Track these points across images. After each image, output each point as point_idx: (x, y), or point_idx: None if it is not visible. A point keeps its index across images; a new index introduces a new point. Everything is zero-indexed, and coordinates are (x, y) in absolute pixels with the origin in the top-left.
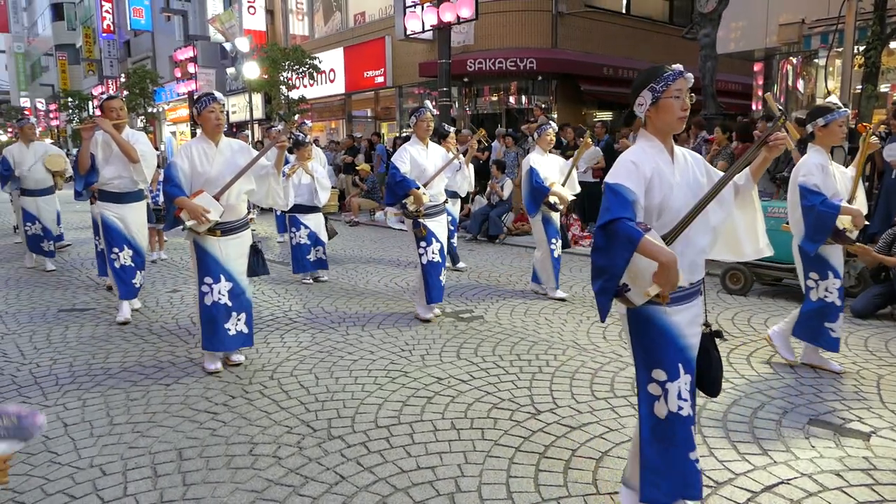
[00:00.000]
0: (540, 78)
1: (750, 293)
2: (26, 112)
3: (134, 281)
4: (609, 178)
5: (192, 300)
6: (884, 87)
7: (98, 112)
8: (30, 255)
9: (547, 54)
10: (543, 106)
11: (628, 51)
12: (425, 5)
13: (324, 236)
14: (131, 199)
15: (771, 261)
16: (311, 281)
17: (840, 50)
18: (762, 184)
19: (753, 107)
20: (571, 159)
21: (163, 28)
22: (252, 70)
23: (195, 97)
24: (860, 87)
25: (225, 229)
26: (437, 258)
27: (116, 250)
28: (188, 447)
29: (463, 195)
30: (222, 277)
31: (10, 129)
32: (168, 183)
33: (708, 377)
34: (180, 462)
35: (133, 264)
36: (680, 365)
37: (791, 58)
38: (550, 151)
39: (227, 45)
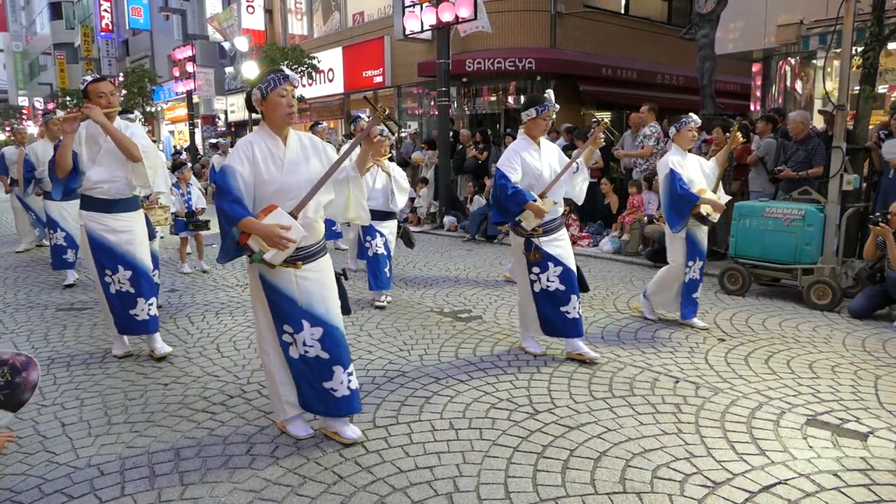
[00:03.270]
0: (539, 78)
1: (748, 294)
2: (24, 111)
3: (133, 312)
4: None
5: (190, 300)
6: (882, 88)
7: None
8: (71, 272)
9: (545, 54)
10: None
11: (627, 51)
12: (424, 5)
13: (393, 248)
14: (124, 208)
15: (769, 261)
16: (384, 302)
17: (838, 51)
18: (761, 184)
19: (752, 107)
20: (714, 158)
21: (161, 27)
22: (251, 69)
23: (259, 76)
24: (858, 88)
25: (304, 256)
26: (557, 285)
27: (109, 272)
28: (186, 447)
29: (580, 203)
30: (305, 324)
31: (7, 129)
32: (224, 197)
33: None
34: (178, 462)
35: (133, 289)
36: None
37: (789, 58)
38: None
39: (226, 45)
